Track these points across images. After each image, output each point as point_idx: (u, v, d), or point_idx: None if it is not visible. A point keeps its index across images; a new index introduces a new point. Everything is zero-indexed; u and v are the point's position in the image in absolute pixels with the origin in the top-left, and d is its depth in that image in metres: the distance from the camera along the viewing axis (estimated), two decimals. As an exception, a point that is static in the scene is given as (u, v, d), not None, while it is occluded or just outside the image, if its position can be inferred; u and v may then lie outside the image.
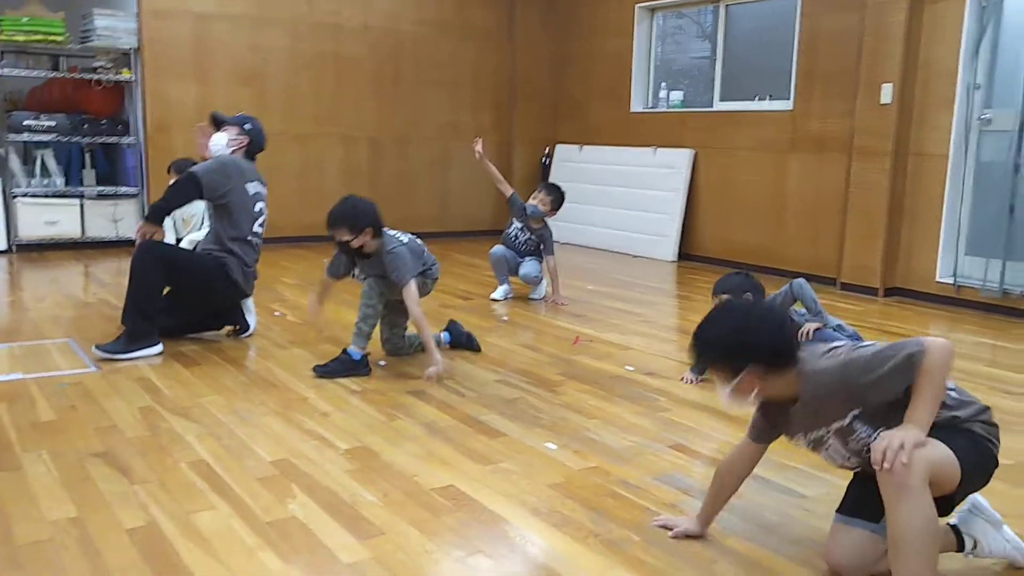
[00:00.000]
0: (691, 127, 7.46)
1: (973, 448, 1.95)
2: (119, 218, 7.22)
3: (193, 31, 7.18)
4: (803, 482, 2.68)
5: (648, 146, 7.75)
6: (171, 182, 4.24)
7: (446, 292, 5.69)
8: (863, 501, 2.05)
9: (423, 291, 3.91)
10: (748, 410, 2.18)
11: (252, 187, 4.21)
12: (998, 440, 2.03)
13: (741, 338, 1.99)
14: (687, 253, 7.46)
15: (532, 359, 4.10)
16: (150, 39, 7.04)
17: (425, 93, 8.34)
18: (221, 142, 4.27)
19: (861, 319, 4.96)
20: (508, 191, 5.60)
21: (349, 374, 3.67)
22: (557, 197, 5.46)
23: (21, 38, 6.69)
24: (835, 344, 2.08)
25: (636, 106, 8.04)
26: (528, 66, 8.75)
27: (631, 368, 3.98)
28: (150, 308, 3.94)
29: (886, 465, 1.81)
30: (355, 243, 3.65)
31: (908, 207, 5.84)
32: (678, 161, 7.46)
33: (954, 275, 5.64)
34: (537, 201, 5.42)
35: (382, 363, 3.95)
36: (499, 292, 5.56)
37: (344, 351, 3.72)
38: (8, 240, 6.83)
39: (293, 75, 7.67)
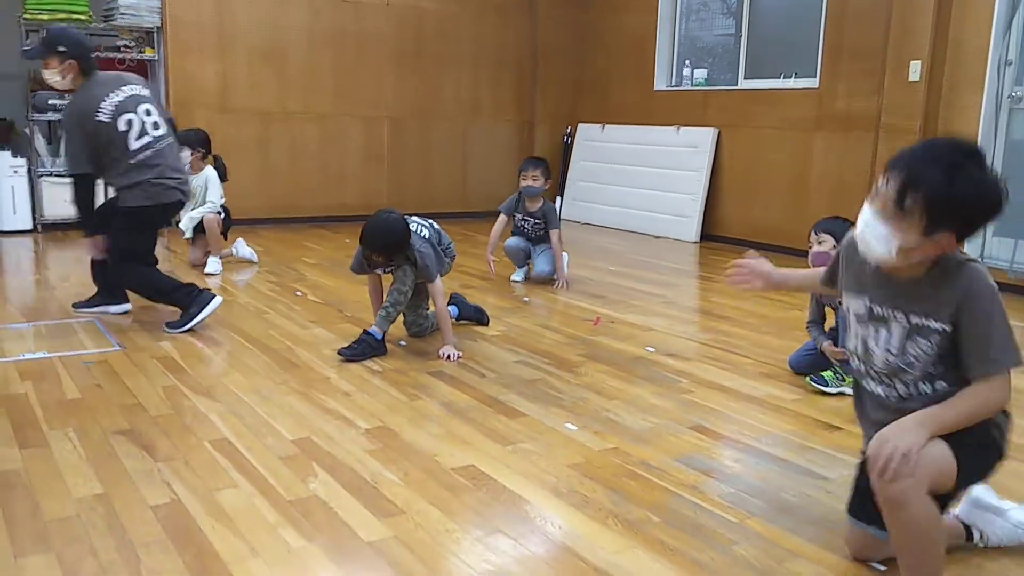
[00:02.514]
0: (715, 105, 7.38)
1: (978, 445, 1.84)
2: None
3: (215, 9, 7.18)
4: (824, 464, 2.66)
5: (671, 125, 7.68)
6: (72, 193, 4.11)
7: (466, 272, 5.69)
8: (865, 503, 1.93)
9: (442, 271, 3.91)
10: (895, 261, 1.81)
11: (110, 104, 3.94)
12: (1007, 431, 1.92)
13: (987, 206, 1.71)
14: (710, 234, 7.41)
15: (552, 340, 4.10)
16: (173, 17, 7.05)
17: (446, 71, 8.31)
18: (54, 77, 4.00)
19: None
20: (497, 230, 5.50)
21: (373, 355, 3.68)
22: (544, 168, 5.35)
23: (45, 17, 6.71)
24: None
25: (659, 84, 7.96)
26: (550, 43, 8.68)
27: (652, 349, 3.96)
28: (163, 287, 4.12)
29: (886, 476, 1.71)
30: (388, 265, 3.76)
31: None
32: (701, 140, 7.39)
33: (981, 256, 5.55)
34: (529, 180, 5.32)
35: (402, 343, 3.96)
36: (518, 273, 5.54)
37: (365, 331, 3.73)
38: (33, 219, 6.90)
39: (314, 53, 7.66)
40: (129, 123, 3.96)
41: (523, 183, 5.33)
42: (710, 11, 7.95)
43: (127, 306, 4.38)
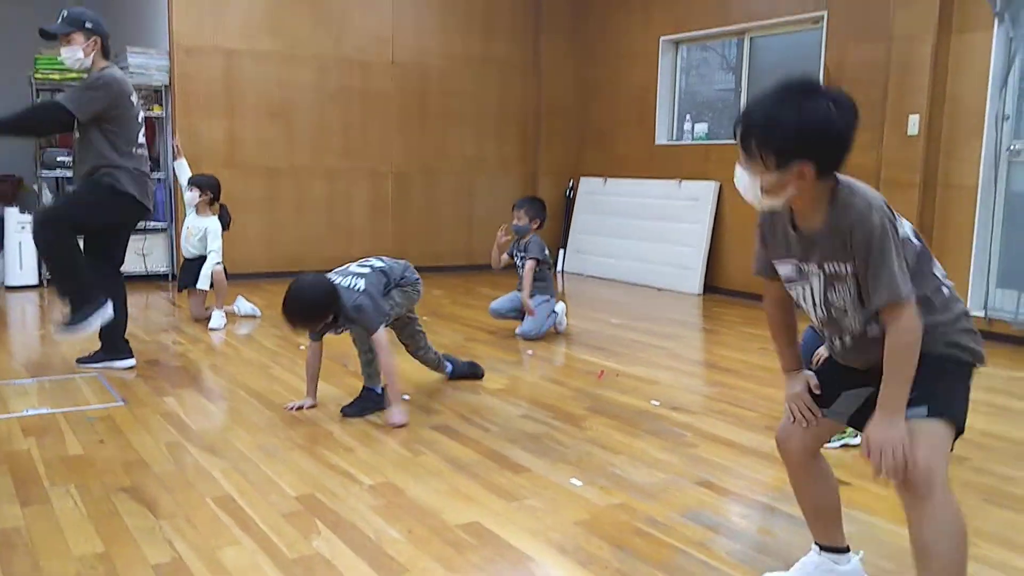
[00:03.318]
0: (716, 159, 7.45)
1: (963, 387, 1.86)
2: (147, 252, 7.31)
3: (223, 68, 7.32)
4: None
5: (673, 178, 7.75)
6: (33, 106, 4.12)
7: (470, 326, 5.69)
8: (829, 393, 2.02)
9: (409, 302, 3.83)
10: (764, 204, 1.88)
11: (134, 95, 4.15)
12: (978, 347, 1.90)
13: (813, 126, 1.74)
14: (713, 286, 7.42)
15: (557, 393, 4.08)
16: (181, 76, 7.18)
17: (451, 126, 8.43)
18: (76, 55, 4.03)
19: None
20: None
21: (375, 409, 3.67)
22: (531, 207, 5.36)
23: (56, 76, 6.85)
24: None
25: (661, 138, 8.06)
26: (553, 98, 8.82)
27: (657, 403, 3.94)
28: (78, 273, 3.99)
29: (893, 479, 1.76)
30: (322, 328, 3.59)
31: (937, 239, 5.78)
32: (703, 193, 7.45)
33: (985, 308, 5.55)
34: (515, 219, 5.38)
35: (406, 397, 3.94)
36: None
37: (365, 388, 3.72)
38: (39, 275, 6.94)
39: (321, 110, 7.78)
40: (142, 120, 4.15)
41: (512, 222, 5.42)
42: (710, 66, 8.07)
43: (131, 361, 4.36)
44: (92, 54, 4.03)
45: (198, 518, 2.56)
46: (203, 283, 5.64)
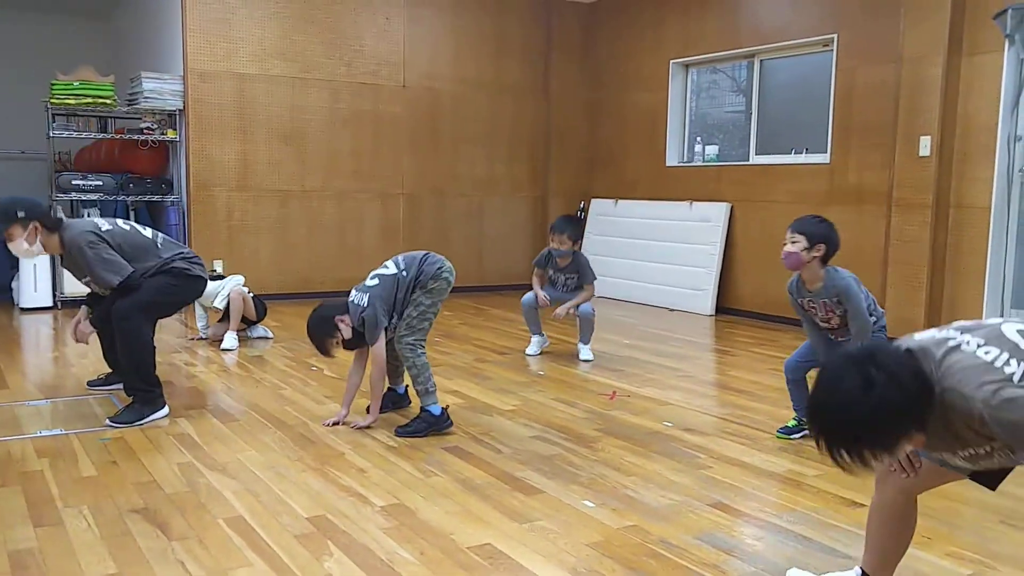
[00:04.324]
0: (727, 181, 7.46)
1: None
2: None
3: (236, 92, 7.39)
4: (848, 542, 2.60)
5: (684, 200, 7.76)
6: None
7: (481, 347, 5.69)
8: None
9: (438, 298, 3.81)
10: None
11: (105, 225, 3.90)
12: None
13: (893, 411, 1.63)
14: (725, 307, 7.40)
15: (569, 415, 4.07)
16: (195, 100, 7.26)
17: (462, 149, 8.47)
18: (22, 247, 3.72)
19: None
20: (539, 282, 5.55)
21: (431, 431, 3.67)
22: (572, 231, 5.31)
23: (72, 101, 6.93)
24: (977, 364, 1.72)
25: (671, 160, 8.08)
26: (563, 121, 8.86)
27: (670, 424, 3.92)
28: (151, 371, 3.85)
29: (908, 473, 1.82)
30: (342, 343, 3.72)
31: (951, 260, 5.76)
32: (714, 215, 7.45)
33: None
34: (555, 243, 5.34)
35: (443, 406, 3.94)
36: (533, 346, 5.54)
37: (423, 409, 3.73)
38: (53, 296, 6.98)
39: (333, 134, 7.84)
40: (131, 226, 4.02)
41: (551, 244, 5.36)
42: (720, 88, 8.10)
43: (166, 410, 3.95)
44: (38, 238, 3.72)
45: (210, 539, 2.56)
46: (219, 302, 5.68)
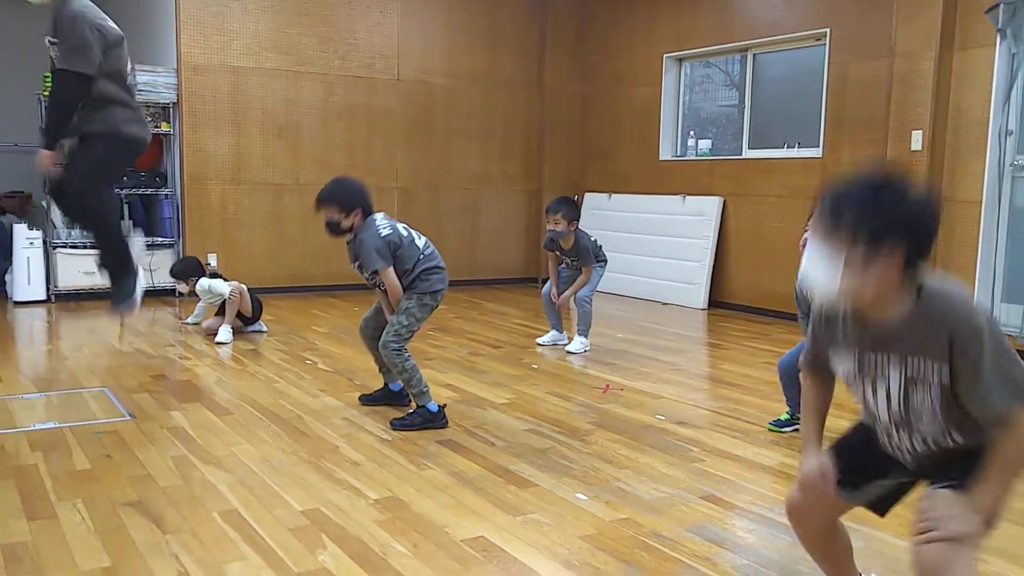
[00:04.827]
0: (720, 175, 7.48)
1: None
2: (155, 268, 7.33)
3: (230, 85, 7.37)
4: (840, 535, 2.62)
5: (677, 194, 7.77)
6: (53, 90, 3.63)
7: (475, 340, 5.70)
8: (857, 470, 1.92)
9: (429, 313, 3.80)
10: (840, 290, 1.74)
11: (112, 25, 3.76)
12: None
13: (913, 208, 1.67)
14: (717, 301, 7.42)
15: (562, 408, 4.08)
16: (189, 93, 7.24)
17: (456, 143, 8.47)
18: None
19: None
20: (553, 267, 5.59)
21: (427, 426, 3.67)
22: (567, 210, 5.26)
23: (65, 94, 6.89)
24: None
25: (665, 154, 8.09)
26: (557, 115, 8.86)
27: (662, 417, 3.95)
28: (122, 235, 3.80)
29: (924, 541, 1.65)
30: (345, 224, 3.74)
31: (942, 254, 5.78)
32: (707, 209, 7.47)
33: (991, 322, 5.54)
34: (551, 224, 5.32)
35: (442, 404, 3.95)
36: (547, 337, 5.56)
37: (419, 406, 3.73)
38: (47, 290, 6.97)
39: (327, 127, 7.83)
40: (128, 58, 3.81)
41: (547, 227, 5.36)
42: (713, 83, 8.11)
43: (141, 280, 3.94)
44: None
45: (204, 533, 2.57)
46: (215, 300, 5.69)
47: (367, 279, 3.81)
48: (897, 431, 1.85)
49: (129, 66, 3.84)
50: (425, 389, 3.71)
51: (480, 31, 8.46)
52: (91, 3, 3.70)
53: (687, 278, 7.55)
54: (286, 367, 4.84)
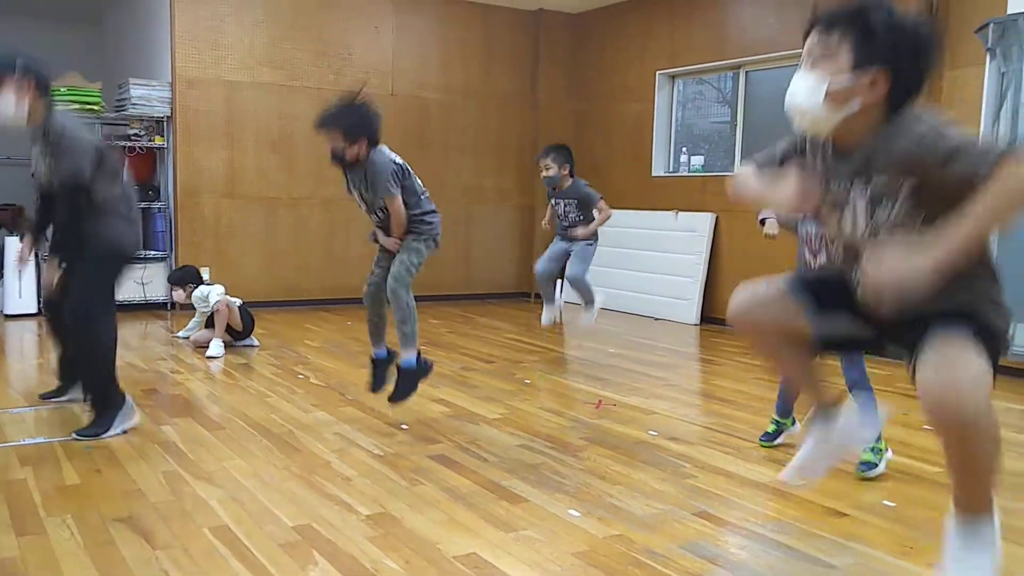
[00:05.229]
0: (712, 191, 7.51)
1: (1003, 322, 1.74)
2: (147, 281, 7.33)
3: (224, 99, 7.38)
4: (831, 552, 2.62)
5: (669, 210, 7.80)
6: (64, 206, 3.58)
7: (467, 355, 5.70)
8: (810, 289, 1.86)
9: (432, 252, 3.89)
10: (820, 114, 1.69)
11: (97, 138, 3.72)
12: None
13: (907, 28, 1.61)
14: (709, 316, 7.44)
15: (555, 423, 4.08)
16: (183, 107, 7.25)
17: (450, 157, 8.49)
18: (8, 105, 3.43)
19: (887, 383, 4.90)
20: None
21: (418, 384, 3.79)
22: (556, 154, 5.21)
23: (57, 107, 6.89)
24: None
25: (657, 170, 8.12)
26: (550, 130, 8.88)
27: (655, 433, 3.94)
28: (111, 372, 3.68)
29: (873, 297, 1.60)
30: (350, 153, 3.69)
31: (933, 270, 5.81)
32: (700, 225, 7.50)
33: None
34: (542, 170, 5.28)
35: (404, 426, 3.95)
36: (546, 316, 5.57)
37: (400, 368, 3.76)
38: (38, 303, 6.94)
39: (321, 141, 7.74)
40: (117, 161, 3.77)
41: (541, 175, 5.36)
42: (706, 99, 8.16)
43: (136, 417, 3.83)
44: (28, 98, 3.46)
45: (195, 548, 2.55)
46: (204, 307, 5.68)
47: (368, 209, 3.80)
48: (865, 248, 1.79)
49: (121, 170, 3.83)
50: (416, 331, 3.77)
51: (474, 46, 8.50)
52: (71, 113, 3.68)
53: (679, 294, 7.57)
54: (278, 381, 4.83)
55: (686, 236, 7.60)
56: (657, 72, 8.01)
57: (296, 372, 5.08)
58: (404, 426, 3.95)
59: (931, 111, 1.65)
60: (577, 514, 2.90)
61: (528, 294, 8.84)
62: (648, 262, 7.87)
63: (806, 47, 1.69)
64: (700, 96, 8.18)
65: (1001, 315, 1.77)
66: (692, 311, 7.44)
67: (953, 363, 1.58)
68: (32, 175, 3.79)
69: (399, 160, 3.81)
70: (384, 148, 3.81)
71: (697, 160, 7.84)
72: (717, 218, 7.42)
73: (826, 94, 1.62)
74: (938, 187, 1.62)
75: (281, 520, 2.78)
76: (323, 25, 7.73)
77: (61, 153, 3.51)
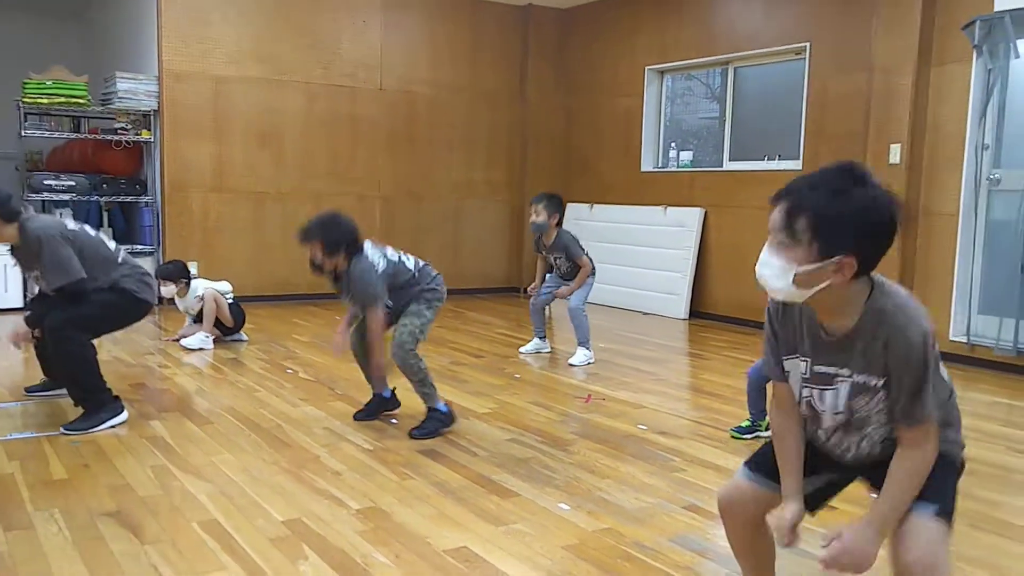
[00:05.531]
0: (701, 186, 7.53)
1: (955, 486, 1.81)
2: (135, 276, 7.28)
3: (212, 93, 7.34)
4: (818, 544, 2.63)
5: (659, 205, 7.81)
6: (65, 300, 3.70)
7: (457, 350, 5.70)
8: (769, 464, 1.94)
9: (436, 312, 3.89)
10: (790, 296, 1.73)
11: (72, 224, 3.85)
12: (959, 433, 1.88)
13: (870, 217, 1.63)
14: (698, 311, 7.46)
15: (544, 417, 4.09)
16: (170, 101, 7.20)
17: (439, 152, 8.48)
18: None
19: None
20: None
21: (443, 429, 3.72)
22: (547, 202, 5.30)
23: (45, 101, 6.86)
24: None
25: (646, 165, 8.13)
26: (540, 125, 8.89)
27: (644, 427, 3.96)
28: (92, 379, 3.73)
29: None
30: (328, 265, 3.64)
31: (919, 266, 5.85)
32: (688, 220, 7.51)
33: (967, 334, 5.61)
34: (532, 216, 5.37)
35: (394, 421, 3.95)
36: (530, 346, 5.59)
37: (432, 409, 3.74)
38: (24, 298, 6.89)
39: (309, 136, 7.81)
40: (101, 239, 3.90)
41: (529, 219, 5.41)
42: (695, 95, 8.18)
43: (125, 415, 3.84)
44: None
45: (184, 543, 2.54)
46: (196, 305, 5.66)
47: (361, 310, 3.78)
48: (840, 433, 1.87)
49: (111, 248, 3.91)
50: (434, 388, 3.76)
51: (463, 41, 8.48)
52: (44, 216, 3.81)
53: (668, 288, 7.58)
54: (267, 376, 4.82)
55: (675, 231, 7.61)
56: (646, 67, 8.02)
57: (285, 367, 5.06)
58: (394, 421, 3.95)
59: (900, 302, 1.72)
60: (567, 508, 2.91)
61: (517, 288, 8.85)
62: (637, 257, 7.88)
63: (772, 220, 1.72)
64: (689, 92, 8.20)
65: (959, 449, 1.88)
66: (681, 306, 7.46)
67: (935, 553, 1.70)
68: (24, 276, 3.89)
69: (381, 262, 3.69)
70: (367, 252, 3.68)
71: (686, 155, 7.86)
72: (706, 213, 7.44)
73: (794, 279, 1.68)
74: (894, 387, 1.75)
75: (271, 514, 2.78)
76: (311, 19, 7.69)
77: (47, 267, 3.66)
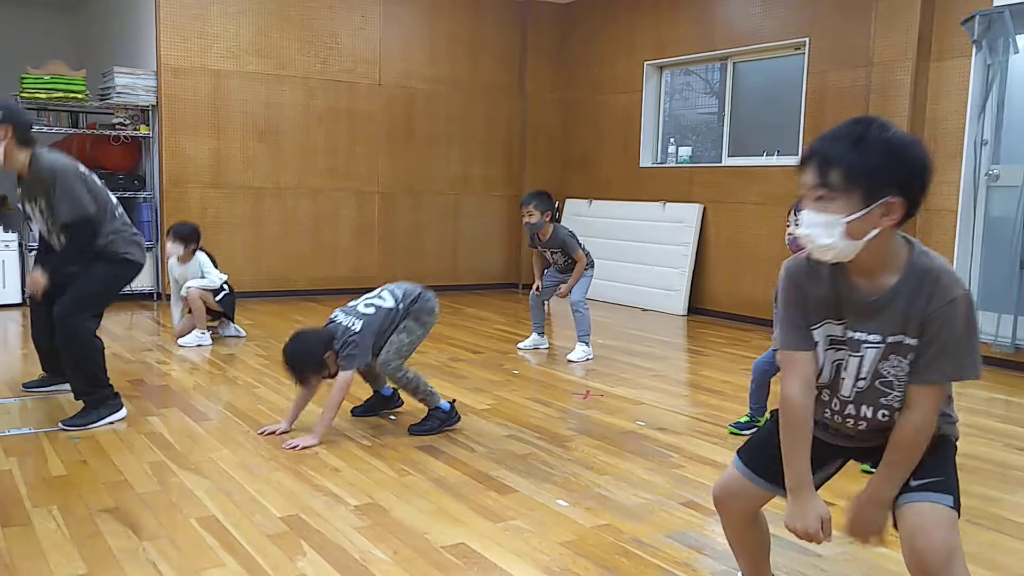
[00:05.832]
0: (700, 182, 7.52)
1: (946, 457, 1.83)
2: (133, 271, 7.27)
3: (210, 88, 7.33)
4: (818, 541, 2.64)
5: (657, 200, 7.81)
6: (71, 242, 3.65)
7: (455, 346, 5.70)
8: (761, 457, 1.93)
9: (425, 329, 3.79)
10: (841, 251, 1.66)
11: (82, 168, 3.74)
12: (953, 412, 1.89)
13: (905, 153, 1.62)
14: (697, 307, 7.46)
15: (543, 414, 4.09)
16: (168, 96, 7.19)
17: (437, 148, 8.47)
18: None
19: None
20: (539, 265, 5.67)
21: (444, 428, 3.71)
22: (537, 201, 5.27)
23: (43, 95, 6.84)
24: None
25: (645, 161, 8.12)
26: (538, 121, 8.88)
27: (643, 423, 3.96)
28: (98, 372, 3.72)
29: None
30: (327, 375, 3.60)
31: (918, 261, 5.84)
32: (687, 215, 7.51)
33: (966, 330, 5.61)
34: (525, 217, 5.35)
35: (392, 417, 3.95)
36: (528, 341, 5.59)
37: (432, 407, 3.73)
38: (22, 293, 6.89)
39: (308, 131, 7.80)
40: (106, 190, 3.82)
41: (523, 221, 5.40)
42: (694, 91, 8.16)
43: (123, 412, 3.83)
44: (4, 145, 3.51)
45: (182, 539, 2.54)
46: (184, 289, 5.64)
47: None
48: (853, 404, 1.83)
49: (112, 198, 3.86)
50: (432, 390, 3.73)
51: (462, 37, 8.46)
52: (55, 153, 3.73)
53: (667, 284, 7.58)
54: (265, 372, 4.81)
55: (674, 227, 7.61)
56: (645, 63, 8.01)
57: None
58: (392, 417, 3.95)
59: (935, 255, 1.73)
60: (565, 504, 2.91)
61: (516, 284, 8.85)
62: (636, 253, 7.88)
63: (804, 181, 1.69)
64: (687, 87, 8.19)
65: (954, 427, 1.89)
66: (680, 302, 7.46)
67: (948, 540, 1.70)
68: (26, 219, 3.82)
69: (357, 323, 3.57)
70: (342, 327, 3.57)
71: (685, 151, 7.84)
72: (704, 209, 7.44)
73: (845, 231, 1.64)
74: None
75: (269, 511, 2.78)
76: (310, 14, 7.68)
77: (58, 198, 3.58)
